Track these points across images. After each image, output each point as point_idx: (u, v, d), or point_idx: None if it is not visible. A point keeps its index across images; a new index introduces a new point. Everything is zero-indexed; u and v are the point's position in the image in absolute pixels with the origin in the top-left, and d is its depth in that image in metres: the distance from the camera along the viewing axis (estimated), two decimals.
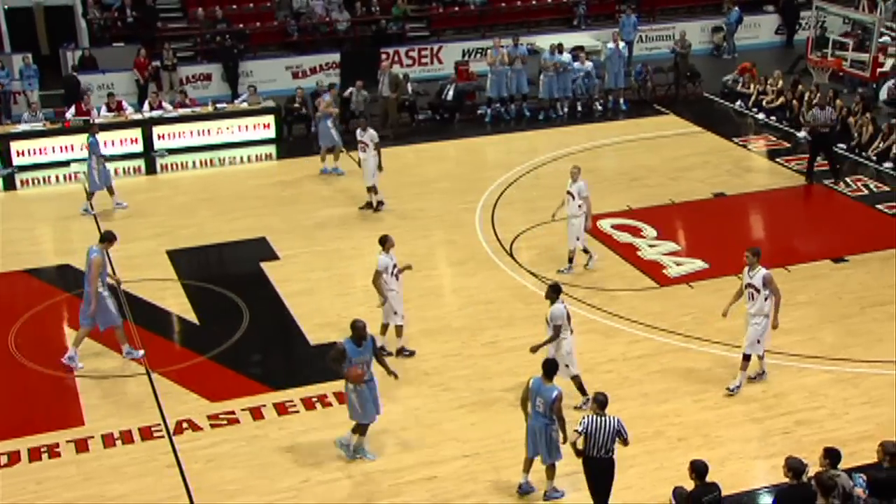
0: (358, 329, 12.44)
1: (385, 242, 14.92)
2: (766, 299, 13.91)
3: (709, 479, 10.45)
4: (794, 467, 10.23)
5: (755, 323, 13.97)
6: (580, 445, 11.17)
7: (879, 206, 20.38)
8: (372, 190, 20.19)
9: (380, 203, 20.29)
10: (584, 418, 11.19)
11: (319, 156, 22.50)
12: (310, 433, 13.43)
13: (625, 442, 11.20)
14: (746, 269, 14.11)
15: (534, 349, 13.48)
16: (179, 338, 16.17)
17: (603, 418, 11.11)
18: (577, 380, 13.64)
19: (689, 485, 10.53)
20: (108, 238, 15.24)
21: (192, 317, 16.45)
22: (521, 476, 12.07)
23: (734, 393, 14.07)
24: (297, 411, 13.92)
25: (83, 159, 20.87)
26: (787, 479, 10.35)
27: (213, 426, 13.61)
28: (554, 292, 13.47)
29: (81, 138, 21.20)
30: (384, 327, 15.05)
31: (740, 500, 11.96)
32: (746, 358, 14.16)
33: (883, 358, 14.93)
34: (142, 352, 15.20)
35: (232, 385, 14.60)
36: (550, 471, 11.95)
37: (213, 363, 15.20)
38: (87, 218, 20.20)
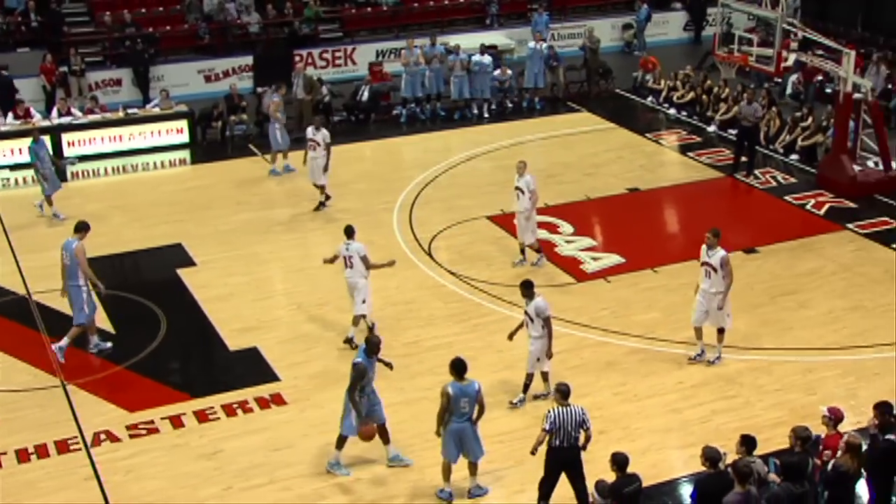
0: (376, 344, 12.46)
1: (354, 231, 15.37)
2: (723, 277, 14.51)
3: (629, 470, 10.60)
4: (711, 456, 10.44)
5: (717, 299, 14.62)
6: (545, 442, 11.23)
7: (787, 198, 20.90)
8: (322, 189, 20.38)
9: (321, 203, 20.39)
10: (549, 412, 11.25)
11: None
12: (231, 440, 13.30)
13: (588, 433, 11.29)
14: (705, 248, 14.66)
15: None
16: (95, 348, 15.86)
17: (568, 408, 11.23)
18: (530, 378, 13.80)
19: (611, 477, 10.67)
20: (83, 228, 15.25)
21: (107, 326, 16.14)
22: (445, 485, 12.05)
23: (715, 363, 14.76)
24: (218, 418, 13.78)
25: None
26: (705, 468, 10.56)
27: (132, 437, 13.39)
28: (528, 288, 13.60)
29: None
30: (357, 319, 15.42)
31: (661, 490, 12.18)
32: (721, 331, 14.79)
33: (793, 345, 15.35)
34: (110, 344, 15.42)
35: (150, 394, 14.39)
36: (475, 468, 12.02)
37: (131, 372, 14.97)
38: None
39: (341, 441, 12.51)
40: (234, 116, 24.71)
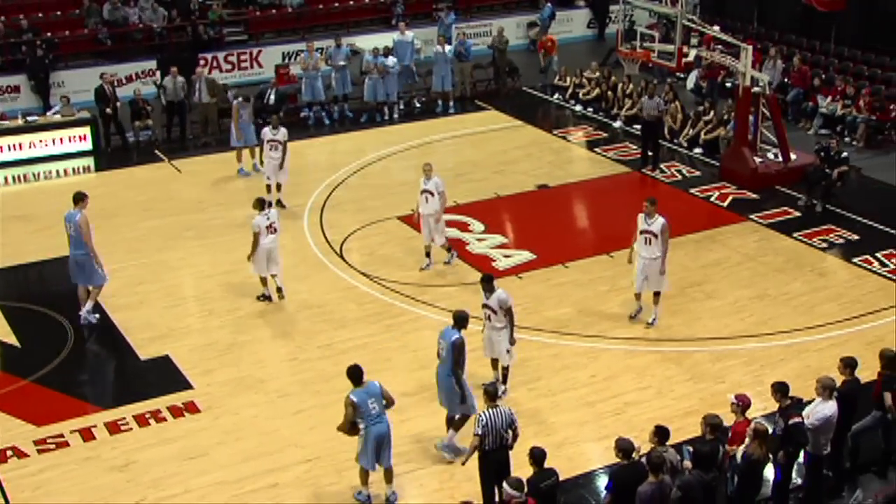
0: (465, 318, 12.93)
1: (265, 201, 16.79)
2: (662, 243, 15.27)
3: (546, 464, 10.71)
4: (624, 448, 10.60)
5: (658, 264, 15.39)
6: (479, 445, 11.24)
7: (692, 191, 21.33)
8: (278, 188, 20.36)
9: (278, 202, 20.15)
10: (480, 416, 11.26)
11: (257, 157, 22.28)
12: (144, 450, 13.09)
13: (515, 432, 11.34)
14: (643, 216, 15.34)
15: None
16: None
17: (496, 409, 11.26)
18: (507, 370, 14.01)
19: (528, 472, 10.75)
20: (81, 198, 15.96)
21: (12, 339, 15.76)
22: (363, 487, 12.02)
23: (653, 324, 15.75)
24: (130, 429, 13.54)
25: None
26: (619, 460, 10.71)
27: (40, 451, 13.09)
28: (489, 282, 13.89)
29: None
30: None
31: (577, 483, 12.33)
32: (657, 294, 15.63)
33: (702, 335, 15.67)
34: (97, 316, 16.01)
35: (59, 407, 14.08)
36: (390, 474, 12.03)
37: (38, 386, 14.62)
38: None
39: (453, 421, 12.74)
40: (138, 122, 24.29)
